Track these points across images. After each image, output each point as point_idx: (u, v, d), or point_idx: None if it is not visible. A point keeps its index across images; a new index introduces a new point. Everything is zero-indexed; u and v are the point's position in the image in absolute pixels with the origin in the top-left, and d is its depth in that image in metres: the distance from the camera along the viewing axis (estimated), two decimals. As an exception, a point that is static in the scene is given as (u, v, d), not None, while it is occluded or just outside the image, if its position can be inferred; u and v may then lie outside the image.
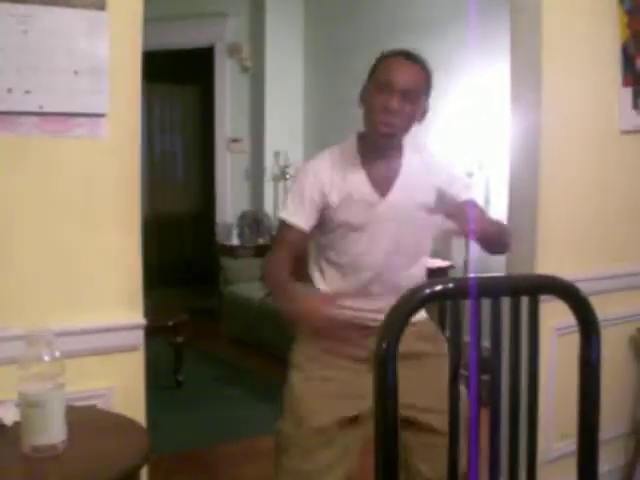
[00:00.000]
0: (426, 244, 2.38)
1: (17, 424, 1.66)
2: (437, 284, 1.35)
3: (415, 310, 1.33)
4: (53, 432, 1.60)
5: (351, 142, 2.28)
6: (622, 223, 3.10)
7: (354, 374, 2.17)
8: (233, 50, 6.86)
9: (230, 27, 6.86)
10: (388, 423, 1.29)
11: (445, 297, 1.39)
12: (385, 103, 2.13)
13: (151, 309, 2.38)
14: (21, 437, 1.60)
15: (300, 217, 2.21)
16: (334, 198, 2.20)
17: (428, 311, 2.33)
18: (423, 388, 2.17)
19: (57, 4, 1.98)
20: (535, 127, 2.83)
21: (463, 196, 2.28)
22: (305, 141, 6.84)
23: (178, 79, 7.68)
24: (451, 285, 1.37)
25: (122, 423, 1.87)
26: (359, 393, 2.08)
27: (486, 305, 1.40)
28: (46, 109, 2.00)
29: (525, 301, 1.44)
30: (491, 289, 1.41)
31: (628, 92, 3.04)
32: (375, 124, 2.17)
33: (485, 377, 1.40)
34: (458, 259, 4.91)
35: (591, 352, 1.43)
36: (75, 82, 2.02)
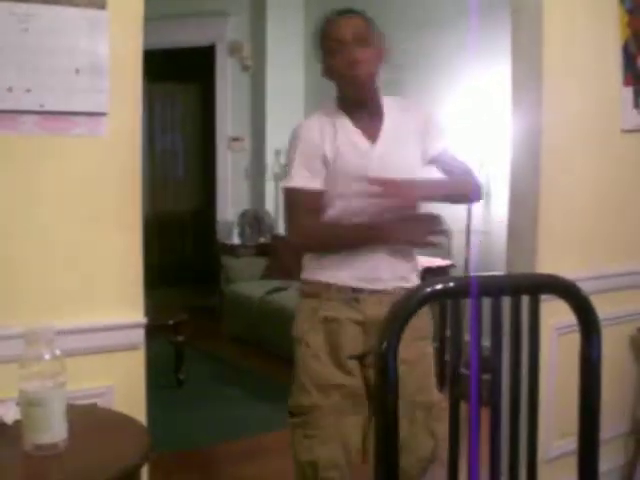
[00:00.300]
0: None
1: (18, 423, 1.66)
2: (438, 283, 1.35)
3: (416, 309, 1.33)
4: (54, 430, 1.60)
5: (331, 104, 2.36)
6: (623, 222, 3.10)
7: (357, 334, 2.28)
8: (234, 49, 6.86)
9: (231, 26, 6.86)
10: (389, 418, 1.30)
11: (446, 296, 1.39)
12: (346, 58, 2.21)
13: (152, 308, 2.38)
14: (22, 436, 1.60)
15: (313, 179, 2.25)
16: (329, 153, 2.25)
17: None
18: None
19: (58, 3, 1.98)
20: (536, 126, 2.83)
21: (439, 144, 2.40)
22: (306, 140, 6.87)
23: (179, 78, 7.68)
24: (452, 284, 1.37)
25: (123, 422, 1.87)
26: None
27: (486, 304, 1.40)
28: (47, 108, 2.00)
29: (526, 300, 1.44)
30: (491, 288, 1.41)
31: (629, 91, 3.04)
32: (347, 80, 2.25)
33: (486, 376, 1.40)
34: (459, 258, 4.90)
35: (592, 351, 1.43)
36: (76, 81, 2.02)
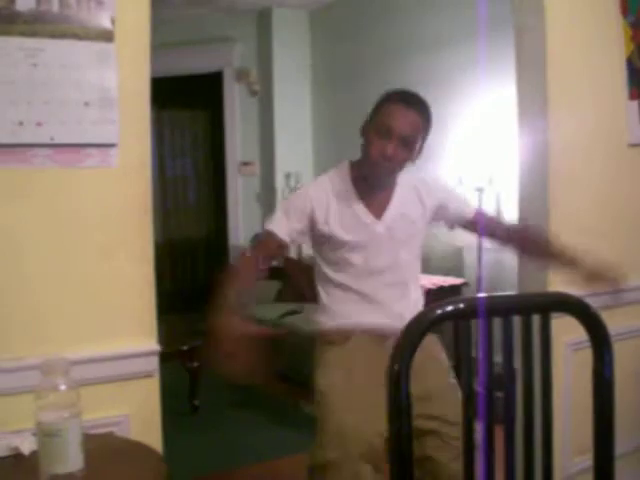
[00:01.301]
0: (418, 261, 2.54)
1: (34, 453, 1.67)
2: (448, 304, 1.35)
3: (427, 330, 1.34)
4: (71, 461, 1.61)
5: (345, 170, 2.45)
6: (633, 236, 3.10)
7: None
8: (241, 75, 6.92)
9: (238, 52, 6.92)
10: (402, 441, 1.30)
11: (456, 317, 1.40)
12: (382, 149, 2.27)
13: (166, 334, 2.39)
14: (39, 466, 1.61)
15: (281, 228, 2.34)
16: (331, 221, 2.35)
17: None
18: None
19: (65, 37, 2.01)
20: (543, 143, 2.84)
21: (466, 209, 2.55)
22: (315, 161, 6.87)
23: (187, 104, 7.74)
24: (462, 305, 1.38)
25: (139, 450, 1.88)
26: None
27: (498, 323, 1.40)
28: (57, 141, 2.02)
29: (537, 318, 1.44)
30: (502, 308, 1.42)
31: (635, 105, 3.05)
32: (371, 165, 2.33)
33: (500, 394, 1.40)
34: (471, 276, 4.90)
35: (604, 367, 1.43)
36: (85, 113, 2.05)
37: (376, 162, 2.31)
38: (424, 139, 2.37)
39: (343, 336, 2.37)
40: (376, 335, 2.34)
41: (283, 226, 2.35)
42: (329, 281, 2.44)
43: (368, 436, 2.17)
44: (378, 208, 2.40)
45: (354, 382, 2.27)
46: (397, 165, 2.34)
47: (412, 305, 2.42)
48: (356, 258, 2.38)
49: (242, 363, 2.02)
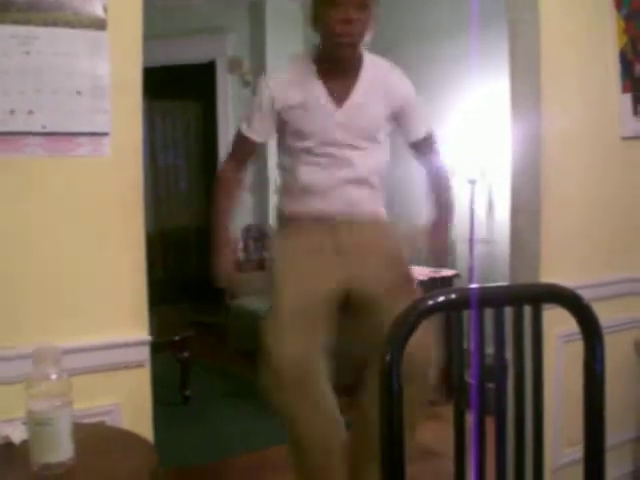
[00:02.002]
0: (380, 151, 2.55)
1: (25, 442, 1.67)
2: (439, 295, 1.36)
3: (418, 321, 1.34)
4: (61, 450, 1.61)
5: (307, 57, 2.46)
6: (625, 229, 3.11)
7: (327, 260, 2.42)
8: (234, 65, 6.89)
9: (230, 42, 6.89)
10: (394, 428, 1.30)
11: (448, 308, 1.40)
12: (341, 15, 2.25)
13: (157, 325, 2.39)
14: (30, 455, 1.61)
15: (252, 130, 2.48)
16: (289, 107, 2.40)
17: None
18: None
19: (58, 25, 2.00)
20: (536, 135, 2.84)
21: (420, 130, 2.58)
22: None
23: (180, 94, 7.71)
24: (453, 296, 1.38)
25: (129, 439, 1.88)
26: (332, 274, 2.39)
27: (489, 314, 1.41)
28: (49, 129, 2.01)
29: (528, 310, 1.45)
30: (493, 299, 1.42)
31: (628, 98, 3.05)
32: (335, 37, 2.30)
33: (491, 385, 1.40)
34: (463, 267, 4.91)
35: (595, 359, 1.44)
36: (77, 102, 2.04)
37: (338, 32, 2.28)
38: (375, 5, 2.36)
39: (297, 226, 2.49)
40: (326, 222, 2.44)
41: (254, 128, 2.47)
42: (284, 168, 2.54)
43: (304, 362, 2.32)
44: (339, 95, 2.40)
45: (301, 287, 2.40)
46: (360, 30, 2.32)
47: (371, 201, 2.51)
48: (311, 145, 2.42)
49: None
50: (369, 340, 2.31)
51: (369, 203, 2.52)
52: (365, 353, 2.42)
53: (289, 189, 2.53)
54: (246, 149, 2.55)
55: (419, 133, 2.59)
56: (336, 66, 2.40)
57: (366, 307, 2.41)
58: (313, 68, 2.41)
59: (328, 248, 2.44)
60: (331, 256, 2.43)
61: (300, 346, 2.32)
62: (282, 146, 2.55)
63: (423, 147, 2.63)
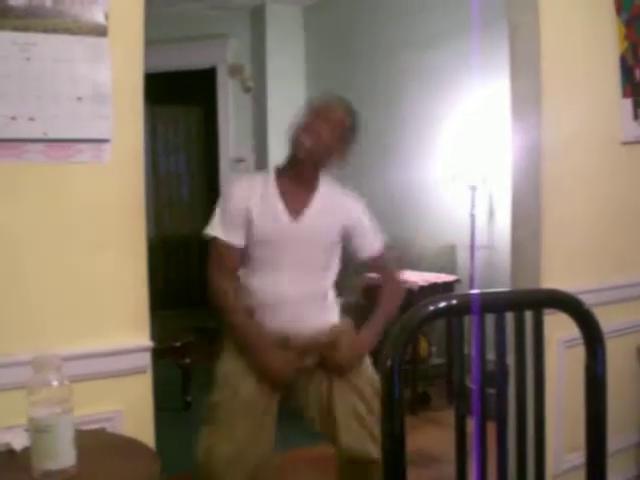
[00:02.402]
0: (331, 262, 2.61)
1: (27, 449, 1.67)
2: (441, 301, 1.35)
3: (419, 327, 1.34)
4: (63, 457, 1.60)
5: (269, 173, 2.57)
6: (625, 233, 3.11)
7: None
8: (235, 71, 6.90)
9: (231, 48, 6.90)
10: (395, 436, 1.30)
11: (449, 313, 1.40)
12: (310, 125, 2.44)
13: (158, 330, 2.39)
14: (31, 462, 1.61)
15: (236, 236, 2.47)
16: (254, 217, 2.45)
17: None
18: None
19: (59, 32, 2.00)
20: (536, 141, 2.84)
21: (375, 246, 2.64)
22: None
23: (181, 100, 7.72)
24: (454, 301, 1.38)
25: (131, 446, 1.88)
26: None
27: (491, 320, 1.40)
28: (50, 136, 2.01)
29: (529, 315, 1.45)
30: (494, 304, 1.42)
31: (628, 103, 3.05)
32: (296, 139, 2.46)
33: (492, 390, 1.40)
34: (464, 273, 4.90)
35: (596, 364, 1.44)
36: (78, 108, 2.04)
37: (301, 135, 2.44)
38: (350, 140, 2.52)
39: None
40: (281, 338, 2.48)
41: (236, 234, 2.47)
42: (247, 276, 2.54)
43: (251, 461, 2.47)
44: (297, 210, 2.50)
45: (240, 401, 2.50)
46: (322, 146, 2.45)
47: (320, 313, 2.57)
48: (269, 256, 2.49)
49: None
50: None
51: (320, 316, 2.59)
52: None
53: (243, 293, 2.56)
54: (231, 257, 2.51)
55: (373, 250, 2.65)
56: (295, 177, 2.51)
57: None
58: (274, 182, 2.51)
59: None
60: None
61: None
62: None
63: (378, 262, 2.69)
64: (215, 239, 2.49)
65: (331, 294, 2.63)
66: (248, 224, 2.46)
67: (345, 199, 2.61)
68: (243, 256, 2.52)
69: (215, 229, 2.49)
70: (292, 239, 2.49)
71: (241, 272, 2.55)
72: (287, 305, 2.49)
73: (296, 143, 2.47)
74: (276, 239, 2.48)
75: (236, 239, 2.47)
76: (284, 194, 2.50)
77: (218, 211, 2.51)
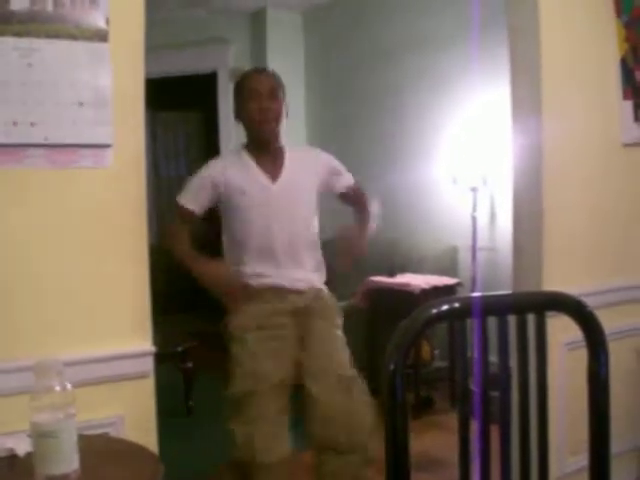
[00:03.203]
0: (313, 212, 2.91)
1: (30, 454, 1.67)
2: (443, 304, 1.35)
3: (422, 330, 1.34)
4: (66, 462, 1.60)
5: (238, 148, 2.90)
6: (627, 235, 3.11)
7: (286, 328, 2.76)
8: (235, 76, 6.91)
9: (232, 53, 6.90)
10: (398, 435, 1.30)
11: (451, 317, 1.40)
12: (257, 105, 2.75)
13: (160, 335, 2.39)
14: (34, 467, 1.61)
15: (191, 202, 2.79)
16: (235, 187, 2.75)
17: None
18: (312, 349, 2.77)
19: (60, 37, 2.01)
20: (537, 142, 2.84)
21: (343, 183, 2.98)
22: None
23: (182, 105, 7.73)
24: (457, 304, 1.37)
25: (134, 451, 1.88)
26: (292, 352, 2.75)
27: (494, 323, 1.40)
28: (51, 141, 2.02)
29: (532, 318, 1.44)
30: (497, 307, 1.42)
31: (629, 105, 3.05)
32: (255, 124, 2.78)
33: (494, 394, 1.40)
34: (466, 275, 4.90)
35: (599, 367, 1.44)
36: (80, 113, 2.04)
37: (257, 119, 2.76)
38: (284, 96, 2.85)
39: (249, 293, 2.78)
40: (278, 291, 2.77)
41: (191, 199, 2.79)
42: (232, 242, 2.85)
43: (275, 378, 2.67)
44: (272, 173, 2.80)
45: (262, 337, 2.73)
46: (275, 115, 2.78)
47: (306, 270, 2.83)
48: (254, 217, 2.76)
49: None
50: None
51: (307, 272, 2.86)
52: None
53: (237, 256, 2.85)
54: (185, 218, 2.84)
55: (348, 184, 2.98)
56: (263, 149, 2.82)
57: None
58: (245, 154, 2.83)
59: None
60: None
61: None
62: (226, 227, 2.90)
63: (353, 195, 3.02)
64: (180, 205, 2.81)
65: (319, 248, 2.92)
66: (228, 196, 2.77)
67: (311, 152, 3.02)
68: (231, 236, 2.86)
69: (183, 198, 2.81)
70: (276, 199, 2.77)
71: (231, 256, 2.86)
72: (280, 253, 2.78)
73: (258, 130, 2.78)
74: (264, 202, 2.76)
75: (191, 204, 2.79)
76: (258, 163, 2.80)
77: (189, 184, 2.82)
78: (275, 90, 2.81)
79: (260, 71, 2.98)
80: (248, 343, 2.73)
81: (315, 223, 2.90)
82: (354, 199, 3.03)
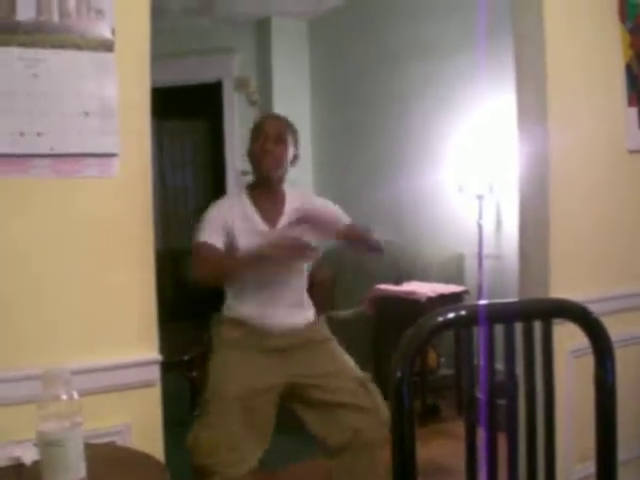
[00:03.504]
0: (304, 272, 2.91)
1: (36, 463, 1.67)
2: (449, 312, 1.35)
3: (428, 338, 1.34)
4: (72, 470, 1.61)
5: (241, 192, 2.91)
6: (634, 242, 3.10)
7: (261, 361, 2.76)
8: (241, 84, 6.92)
9: (237, 62, 6.93)
10: (405, 444, 1.30)
11: (458, 324, 1.39)
12: (261, 146, 2.79)
13: (167, 343, 2.39)
14: (41, 476, 1.61)
15: (214, 238, 2.72)
16: (236, 230, 2.74)
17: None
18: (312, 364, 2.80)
19: (65, 47, 2.02)
20: (542, 150, 2.84)
21: (343, 220, 2.89)
22: (314, 170, 6.86)
23: (187, 114, 7.74)
24: (463, 312, 1.37)
25: (140, 459, 1.88)
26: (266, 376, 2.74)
27: (500, 330, 1.40)
28: (57, 151, 2.03)
29: (538, 325, 1.44)
30: (503, 315, 1.41)
31: (634, 112, 3.05)
32: (258, 164, 2.81)
33: (501, 401, 1.40)
34: (472, 283, 4.90)
35: (606, 374, 1.43)
36: (85, 123, 2.05)
37: (258, 158, 2.79)
38: (295, 144, 2.89)
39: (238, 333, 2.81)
40: (262, 332, 2.75)
41: (213, 235, 2.72)
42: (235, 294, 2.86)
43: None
44: (272, 219, 2.81)
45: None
46: (278, 159, 2.80)
47: (299, 313, 2.85)
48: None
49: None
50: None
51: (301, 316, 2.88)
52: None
53: (235, 291, 2.87)
54: (216, 253, 2.73)
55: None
56: (263, 192, 2.84)
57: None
58: (247, 197, 2.84)
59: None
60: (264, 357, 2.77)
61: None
62: None
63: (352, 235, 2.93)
64: (202, 243, 2.71)
65: (306, 293, 2.93)
66: (231, 238, 2.74)
67: (309, 198, 2.98)
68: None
69: (202, 236, 2.72)
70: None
71: (231, 290, 2.88)
72: (273, 297, 2.78)
73: (259, 168, 2.82)
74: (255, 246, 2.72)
75: (219, 242, 2.72)
76: (258, 207, 2.81)
77: (203, 224, 2.76)
78: (282, 134, 2.84)
79: (274, 117, 3.07)
80: (229, 359, 2.82)
81: (305, 274, 2.90)
82: (354, 237, 2.93)
